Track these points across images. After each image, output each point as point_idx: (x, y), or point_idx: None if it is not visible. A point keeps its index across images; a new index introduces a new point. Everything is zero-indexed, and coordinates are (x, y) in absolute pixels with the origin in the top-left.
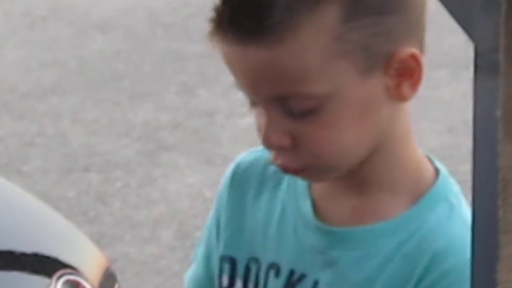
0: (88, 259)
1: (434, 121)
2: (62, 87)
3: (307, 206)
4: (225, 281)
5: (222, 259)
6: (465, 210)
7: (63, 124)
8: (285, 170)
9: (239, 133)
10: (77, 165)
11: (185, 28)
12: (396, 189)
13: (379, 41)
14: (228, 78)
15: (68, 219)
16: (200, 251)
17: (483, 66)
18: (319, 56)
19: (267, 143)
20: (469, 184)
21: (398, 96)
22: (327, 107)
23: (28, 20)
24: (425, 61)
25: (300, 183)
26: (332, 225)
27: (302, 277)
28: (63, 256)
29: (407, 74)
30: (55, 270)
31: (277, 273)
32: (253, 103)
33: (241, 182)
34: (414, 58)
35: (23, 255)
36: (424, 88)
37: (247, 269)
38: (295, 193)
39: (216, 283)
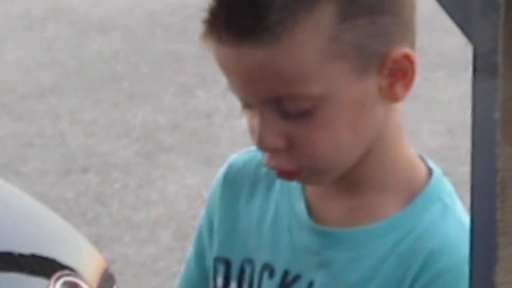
0: (87, 260)
1: (432, 122)
2: (60, 87)
3: (301, 207)
4: (220, 282)
5: (217, 260)
6: (459, 210)
7: (62, 125)
8: (280, 172)
9: (238, 134)
10: (76, 166)
11: (183, 29)
12: (389, 190)
13: (374, 42)
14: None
15: (66, 220)
16: (192, 251)
17: (482, 68)
18: (315, 57)
19: (262, 145)
20: (467, 185)
21: (391, 96)
22: (322, 108)
23: (27, 21)
24: (424, 62)
25: (294, 184)
26: (326, 225)
27: (296, 278)
28: (62, 257)
29: (401, 74)
30: (53, 271)
31: (271, 274)
32: (246, 105)
33: (234, 182)
34: (408, 58)
35: (21, 256)
36: (423, 89)
37: (242, 271)
38: (288, 193)
39: (211, 284)
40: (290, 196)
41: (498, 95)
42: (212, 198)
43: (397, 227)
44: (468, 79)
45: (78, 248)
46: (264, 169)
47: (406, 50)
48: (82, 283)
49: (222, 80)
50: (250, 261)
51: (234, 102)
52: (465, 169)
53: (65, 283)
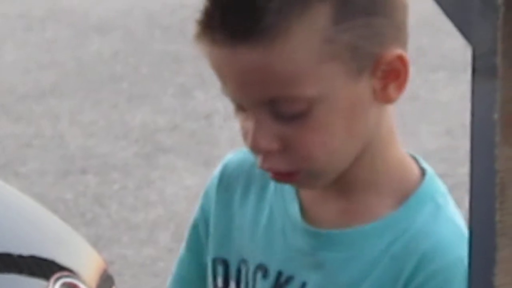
0: (86, 261)
1: (432, 123)
2: (60, 88)
3: (294, 208)
4: (220, 282)
5: (215, 261)
6: (452, 210)
7: (61, 126)
8: (275, 175)
9: (237, 135)
10: (75, 167)
11: (182, 30)
12: (382, 191)
13: (368, 43)
14: None
15: (65, 221)
16: (185, 250)
17: (481, 69)
18: (309, 58)
19: (255, 148)
20: (466, 186)
21: (384, 98)
22: (316, 110)
23: (26, 22)
24: (424, 63)
25: (288, 185)
26: (320, 227)
27: (289, 278)
28: (60, 258)
29: (394, 75)
30: (52, 272)
31: (265, 275)
32: (239, 108)
33: (229, 182)
34: (401, 60)
35: (20, 257)
36: (422, 90)
37: (239, 271)
38: (282, 194)
39: (211, 284)
40: (284, 197)
41: (497, 96)
42: (207, 196)
43: (390, 227)
44: (467, 80)
45: (77, 249)
46: (258, 169)
47: (399, 51)
48: (81, 284)
49: None
50: (244, 261)
51: None
52: (464, 170)
53: (64, 284)
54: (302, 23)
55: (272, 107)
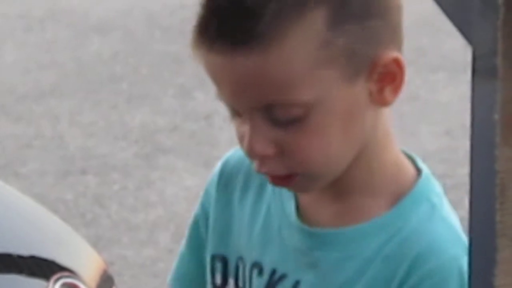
0: (86, 262)
1: (432, 123)
2: (59, 89)
3: (291, 207)
4: (219, 279)
5: (214, 257)
6: (447, 210)
7: (61, 126)
8: (272, 179)
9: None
10: (75, 167)
11: (182, 30)
12: (377, 192)
13: (364, 46)
14: None
15: (65, 222)
16: (185, 246)
17: (481, 70)
18: (306, 63)
19: (251, 153)
20: (466, 187)
21: (380, 101)
22: (313, 114)
23: (26, 22)
24: (424, 63)
25: None
26: (315, 226)
27: (282, 277)
28: (61, 258)
29: (390, 78)
30: (52, 273)
31: (260, 272)
32: (234, 114)
33: (228, 180)
34: (397, 62)
35: (20, 257)
36: (422, 90)
37: (237, 268)
38: (280, 193)
39: (210, 281)
40: (281, 196)
41: (497, 97)
42: (207, 196)
43: (384, 227)
44: (467, 81)
45: (77, 249)
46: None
47: (395, 54)
48: (81, 285)
49: None
50: (242, 259)
51: None
52: (464, 170)
53: (64, 284)
54: (297, 28)
55: (268, 112)
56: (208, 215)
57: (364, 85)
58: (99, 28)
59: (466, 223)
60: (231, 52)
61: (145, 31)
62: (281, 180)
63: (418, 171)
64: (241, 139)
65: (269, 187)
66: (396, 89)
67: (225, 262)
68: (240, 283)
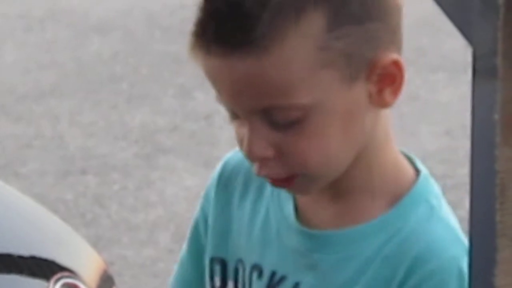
0: (86, 262)
1: (432, 124)
2: (59, 89)
3: (289, 209)
4: (218, 282)
5: (213, 260)
6: (445, 211)
7: (61, 126)
8: (272, 181)
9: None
10: (75, 167)
11: (182, 30)
12: (376, 193)
13: (363, 49)
14: None
15: (65, 222)
16: (186, 249)
17: (481, 70)
18: (304, 66)
19: (251, 155)
20: (466, 187)
21: (380, 102)
22: (312, 117)
23: (26, 22)
24: (424, 64)
25: None
26: (314, 228)
27: (282, 278)
28: (61, 259)
29: (389, 80)
30: (52, 273)
31: (260, 275)
32: (234, 116)
33: (228, 182)
34: (396, 64)
35: (21, 258)
36: (422, 90)
37: (236, 270)
38: (279, 195)
39: (208, 284)
40: (280, 198)
41: (497, 97)
42: (207, 196)
43: (383, 228)
44: (467, 81)
45: (77, 249)
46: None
47: (394, 56)
48: (81, 285)
49: None
50: (241, 261)
51: None
52: (464, 170)
53: (64, 284)
54: (295, 32)
55: (266, 115)
56: (207, 218)
57: (363, 87)
58: (99, 28)
59: (466, 223)
60: (229, 56)
61: (145, 31)
62: (281, 182)
63: (417, 171)
64: (240, 141)
65: (268, 189)
66: (396, 90)
67: (224, 264)
68: (240, 286)
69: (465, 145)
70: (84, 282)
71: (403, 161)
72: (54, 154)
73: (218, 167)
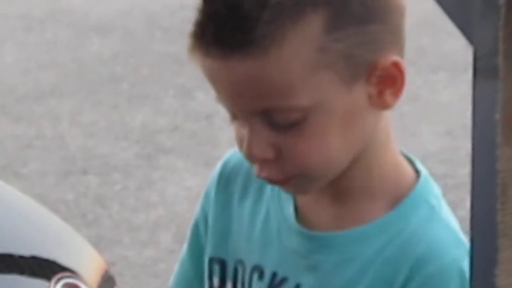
0: (87, 262)
1: (432, 124)
2: (60, 89)
3: (290, 210)
4: (216, 282)
5: (212, 260)
6: (445, 212)
7: (61, 127)
8: (270, 182)
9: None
10: (76, 167)
11: (183, 30)
12: (377, 194)
13: (363, 51)
14: None
15: (66, 222)
16: (186, 249)
17: (482, 70)
18: (303, 68)
19: (251, 156)
20: (467, 187)
21: (380, 104)
22: (311, 118)
23: (26, 22)
24: (425, 64)
25: None
26: (314, 229)
27: (284, 280)
28: (62, 259)
29: (390, 82)
30: (53, 273)
31: (261, 276)
32: (234, 117)
33: (228, 183)
34: (397, 66)
35: (22, 258)
36: (423, 91)
37: (236, 271)
38: (279, 196)
39: (207, 283)
40: (280, 199)
41: (498, 97)
42: (207, 196)
43: (384, 230)
44: (468, 81)
45: (78, 249)
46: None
47: (395, 58)
48: (82, 285)
49: None
50: (241, 262)
51: None
52: (465, 170)
53: (65, 284)
54: (295, 33)
55: (266, 116)
56: (207, 218)
57: (363, 89)
58: (99, 28)
59: (467, 223)
60: (228, 57)
61: (145, 31)
62: (279, 183)
63: (417, 172)
64: (240, 142)
65: (268, 189)
66: (397, 92)
67: (223, 264)
68: (239, 286)
69: (466, 145)
70: (85, 282)
71: (403, 162)
72: (55, 154)
73: (217, 167)
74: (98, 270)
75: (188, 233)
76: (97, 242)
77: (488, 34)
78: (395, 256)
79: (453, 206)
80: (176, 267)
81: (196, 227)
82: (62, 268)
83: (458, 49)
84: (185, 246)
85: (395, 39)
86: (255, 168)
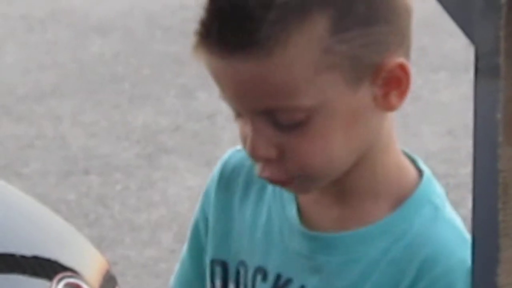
0: (89, 262)
1: (433, 124)
2: (61, 89)
3: (292, 211)
4: (218, 284)
5: (213, 262)
6: (450, 212)
7: (62, 127)
8: (272, 181)
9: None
10: (77, 167)
11: (183, 30)
12: (380, 195)
13: (368, 52)
14: None
15: (68, 222)
16: (186, 250)
17: (484, 69)
18: (308, 69)
19: (254, 155)
20: (469, 186)
21: (385, 105)
22: (315, 119)
23: (27, 23)
24: (425, 63)
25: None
26: (317, 230)
27: (288, 281)
28: (64, 258)
29: (395, 84)
30: (55, 273)
31: (264, 277)
32: (238, 115)
33: (228, 183)
34: (402, 68)
35: (23, 257)
36: (424, 90)
37: (238, 272)
38: (281, 197)
39: (209, 286)
40: (282, 200)
41: (500, 96)
42: (206, 196)
43: (388, 230)
44: (469, 81)
45: (80, 249)
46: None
47: (401, 60)
48: (84, 285)
49: None
50: (243, 263)
51: None
52: (466, 170)
53: (67, 284)
54: (300, 34)
55: (270, 115)
56: (207, 218)
57: (368, 90)
58: (99, 28)
59: (469, 222)
60: (231, 56)
61: (146, 31)
62: (282, 183)
63: (420, 172)
64: (244, 140)
65: (270, 190)
66: (402, 94)
67: (225, 266)
68: None
69: (467, 144)
70: (86, 282)
71: (405, 162)
72: (56, 154)
73: (217, 167)
74: (100, 270)
75: (188, 233)
76: (98, 242)
77: (489, 34)
78: (401, 257)
79: (455, 206)
80: (176, 267)
81: (196, 227)
82: (63, 268)
83: (459, 49)
84: (185, 246)
85: (401, 40)
86: (257, 167)
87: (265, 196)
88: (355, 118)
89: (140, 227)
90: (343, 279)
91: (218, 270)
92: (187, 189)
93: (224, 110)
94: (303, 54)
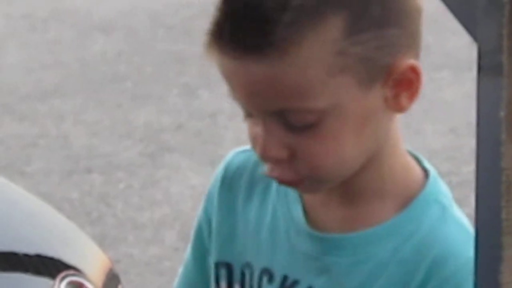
0: (91, 260)
1: (436, 122)
2: (63, 88)
3: (298, 211)
4: (224, 286)
5: (218, 264)
6: (456, 210)
7: (65, 126)
8: (281, 182)
9: (242, 134)
10: (80, 166)
11: (186, 29)
12: (387, 196)
13: (381, 54)
14: None
15: (71, 220)
16: (190, 251)
17: (487, 67)
18: (321, 71)
19: (265, 156)
20: (472, 185)
21: (396, 107)
22: (327, 120)
23: (29, 22)
24: (428, 62)
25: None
26: (324, 231)
27: (295, 283)
28: (66, 257)
29: (406, 85)
30: (58, 271)
31: (270, 279)
32: (248, 114)
33: (232, 184)
34: (413, 70)
35: (26, 256)
36: (427, 89)
37: (243, 274)
38: (286, 196)
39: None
40: (287, 200)
41: (503, 94)
42: (210, 197)
43: (396, 231)
44: (472, 79)
45: (83, 247)
46: (260, 171)
47: (412, 61)
48: (87, 283)
49: None
50: (248, 265)
51: None
52: (470, 168)
53: (70, 282)
54: (314, 37)
55: (282, 116)
56: (211, 220)
57: (379, 92)
58: (102, 27)
59: (472, 221)
60: (244, 57)
61: (149, 30)
62: (288, 183)
63: (425, 172)
64: (253, 140)
65: (273, 190)
66: (412, 95)
67: (229, 268)
68: None
69: (470, 142)
70: (89, 280)
71: (412, 162)
72: (59, 153)
73: (220, 168)
74: (103, 268)
75: (191, 230)
76: (101, 240)
77: (492, 32)
78: (410, 258)
79: (458, 204)
80: (180, 270)
81: (199, 229)
82: (66, 266)
83: (462, 47)
84: (188, 248)
85: (413, 41)
86: (266, 167)
87: (268, 196)
88: (366, 119)
89: (143, 226)
90: (351, 280)
91: (223, 272)
92: (190, 188)
93: (226, 109)
94: (317, 56)
